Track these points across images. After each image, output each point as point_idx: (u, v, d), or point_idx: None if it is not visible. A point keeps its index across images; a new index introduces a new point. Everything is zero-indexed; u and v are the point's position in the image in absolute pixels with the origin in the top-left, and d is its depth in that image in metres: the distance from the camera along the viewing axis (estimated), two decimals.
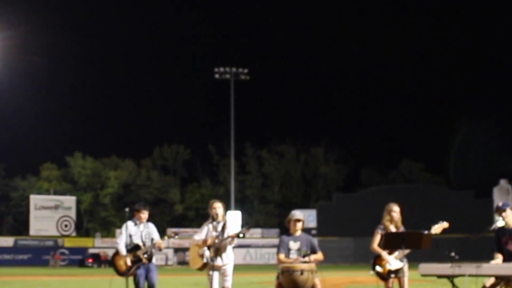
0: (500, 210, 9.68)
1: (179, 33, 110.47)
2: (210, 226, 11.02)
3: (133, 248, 11.46)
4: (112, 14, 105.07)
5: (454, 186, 74.77)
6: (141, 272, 11.40)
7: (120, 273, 11.59)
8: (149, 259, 11.52)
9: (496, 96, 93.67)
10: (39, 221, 71.55)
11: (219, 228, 10.93)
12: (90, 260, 62.90)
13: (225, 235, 10.88)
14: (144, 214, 11.65)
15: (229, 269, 11.03)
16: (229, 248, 11.05)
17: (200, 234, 11.08)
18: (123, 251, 11.45)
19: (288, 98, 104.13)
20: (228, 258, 11.05)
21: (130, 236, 11.51)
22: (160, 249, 11.59)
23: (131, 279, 11.37)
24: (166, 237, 11.94)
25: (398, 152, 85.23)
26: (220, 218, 10.98)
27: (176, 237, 12.21)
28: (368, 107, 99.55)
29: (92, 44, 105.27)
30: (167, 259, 63.35)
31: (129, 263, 11.35)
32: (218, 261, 10.86)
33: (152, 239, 11.58)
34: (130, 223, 11.63)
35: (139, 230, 11.59)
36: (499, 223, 9.66)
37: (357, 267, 47.78)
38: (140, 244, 11.48)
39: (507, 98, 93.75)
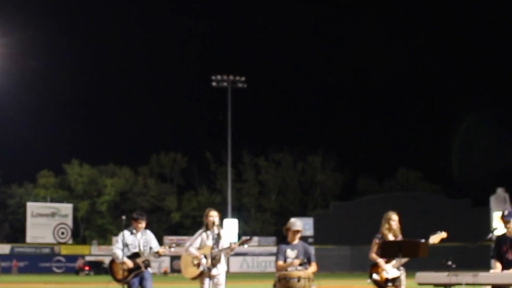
0: (504, 221, 9.67)
1: (176, 41, 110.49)
2: (204, 234, 11.02)
3: (132, 256, 11.45)
4: (110, 22, 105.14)
5: (451, 195, 74.78)
6: (133, 280, 11.40)
7: (117, 279, 11.57)
8: (146, 266, 11.52)
9: (492, 104, 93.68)
10: (35, 228, 71.43)
11: (214, 237, 10.95)
12: (86, 268, 62.60)
13: (220, 244, 10.92)
14: (142, 224, 11.64)
15: (221, 278, 11.11)
16: (222, 258, 11.09)
17: (194, 243, 11.05)
18: (120, 256, 11.39)
19: (285, 106, 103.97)
20: (222, 268, 11.11)
21: (127, 245, 11.49)
22: (159, 256, 11.58)
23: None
24: (167, 247, 11.86)
25: (395, 161, 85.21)
26: (215, 227, 10.99)
27: (174, 245, 12.13)
28: (365, 115, 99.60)
29: (90, 51, 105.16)
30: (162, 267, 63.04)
31: (130, 264, 11.33)
32: (214, 271, 10.90)
33: (150, 248, 11.58)
34: (126, 232, 11.61)
35: (136, 239, 11.57)
36: (496, 232, 9.67)
37: (354, 275, 47.77)
38: (140, 252, 11.48)
39: (504, 106, 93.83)
